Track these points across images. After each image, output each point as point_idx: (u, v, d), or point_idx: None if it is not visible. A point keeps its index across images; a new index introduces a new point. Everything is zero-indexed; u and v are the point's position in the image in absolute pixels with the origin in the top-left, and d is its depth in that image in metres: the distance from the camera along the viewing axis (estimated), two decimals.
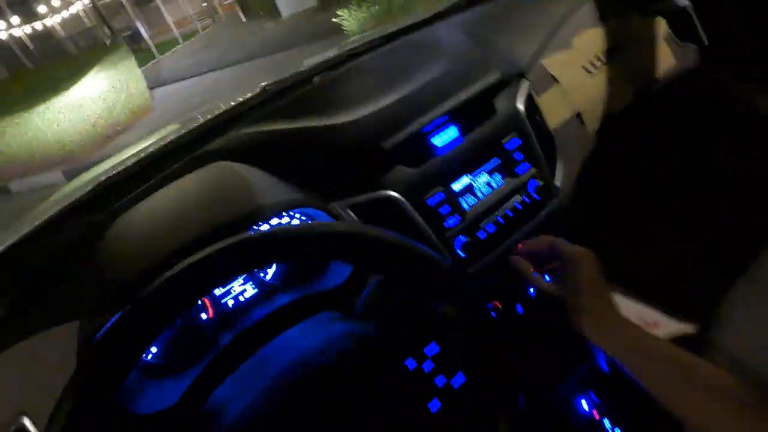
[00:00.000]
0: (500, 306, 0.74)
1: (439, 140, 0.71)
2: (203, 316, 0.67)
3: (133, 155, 0.98)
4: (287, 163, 0.68)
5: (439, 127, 0.72)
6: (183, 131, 0.97)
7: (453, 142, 0.71)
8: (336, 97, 0.74)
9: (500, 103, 0.75)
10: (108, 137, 5.25)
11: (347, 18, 4.23)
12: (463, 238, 0.69)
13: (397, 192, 0.66)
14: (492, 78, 0.72)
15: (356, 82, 0.79)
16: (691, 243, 1.07)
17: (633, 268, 0.99)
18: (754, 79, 1.00)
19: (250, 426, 0.41)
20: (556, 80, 0.83)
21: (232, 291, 0.69)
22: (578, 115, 0.84)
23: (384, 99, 0.71)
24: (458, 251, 0.68)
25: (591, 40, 0.89)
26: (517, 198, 0.74)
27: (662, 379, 0.44)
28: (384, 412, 0.41)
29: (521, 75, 0.80)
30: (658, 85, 0.93)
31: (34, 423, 0.50)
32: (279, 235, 0.37)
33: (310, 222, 0.68)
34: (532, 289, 0.79)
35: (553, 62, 0.84)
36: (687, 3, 0.96)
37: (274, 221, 0.70)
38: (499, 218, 0.72)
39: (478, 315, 0.72)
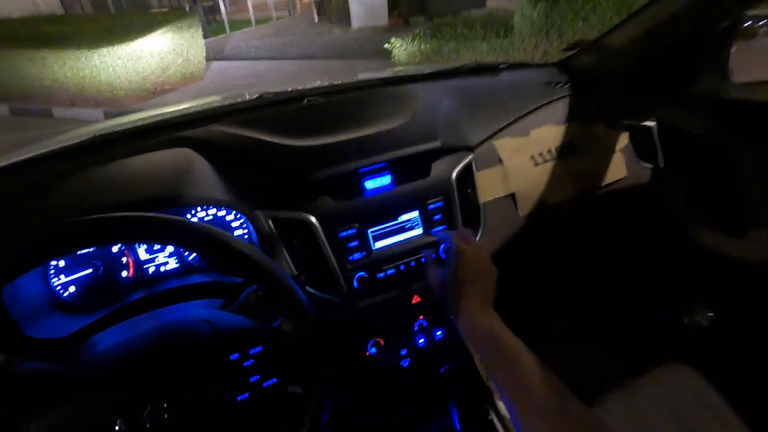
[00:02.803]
0: (383, 343, 0.82)
1: (371, 183, 0.80)
2: (124, 273, 0.77)
3: (132, 121, 1.10)
4: (236, 166, 0.78)
5: (375, 172, 0.80)
6: (181, 113, 1.09)
7: (382, 188, 0.80)
8: (310, 122, 0.84)
9: (437, 167, 0.84)
10: (154, 93, 5.55)
11: (398, 47, 4.43)
12: (362, 273, 0.77)
13: (315, 218, 0.75)
14: (431, 145, 0.81)
15: (332, 113, 0.88)
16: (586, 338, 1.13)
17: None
18: (700, 209, 1.06)
19: (103, 360, 0.50)
20: (500, 161, 0.91)
21: (155, 260, 0.79)
22: (513, 197, 0.92)
23: (339, 136, 0.81)
24: (354, 283, 0.76)
25: (549, 134, 0.97)
26: (426, 254, 0.81)
27: (502, 372, 0.52)
28: (200, 389, 0.49)
29: (469, 148, 0.89)
30: (602, 191, 1.00)
31: None
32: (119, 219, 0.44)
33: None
34: (422, 340, 0.86)
35: (503, 144, 0.92)
36: (652, 124, 1.04)
37: (201, 213, 0.80)
38: (402, 266, 0.80)
39: (355, 346, 0.80)
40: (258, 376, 0.51)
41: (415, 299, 0.81)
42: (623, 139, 1.04)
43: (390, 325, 0.82)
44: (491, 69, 1.24)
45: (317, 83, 1.27)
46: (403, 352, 0.84)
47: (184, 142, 0.80)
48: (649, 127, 1.04)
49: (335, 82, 1.29)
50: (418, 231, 0.82)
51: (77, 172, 0.71)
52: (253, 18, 13.17)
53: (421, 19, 9.36)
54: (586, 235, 1.08)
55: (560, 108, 1.02)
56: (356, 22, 10.01)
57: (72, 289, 0.74)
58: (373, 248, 0.79)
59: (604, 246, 1.15)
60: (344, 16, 10.57)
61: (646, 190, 1.06)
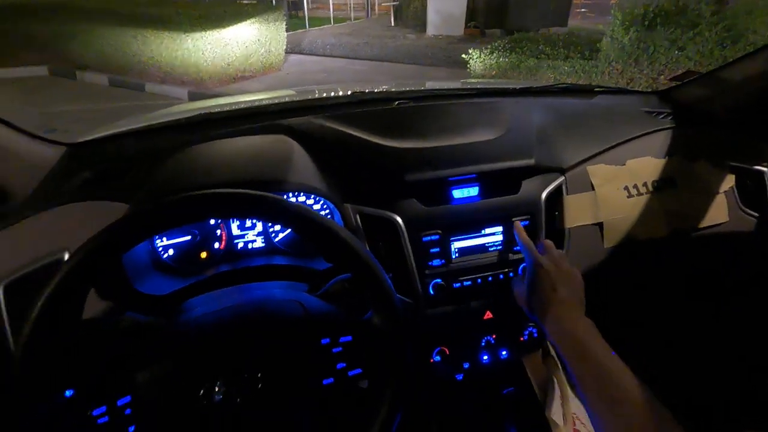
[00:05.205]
0: (448, 352, 0.81)
1: (459, 193, 0.80)
2: (216, 245, 0.82)
3: (235, 103, 1.18)
4: (331, 159, 0.81)
5: (463, 182, 0.80)
6: (277, 101, 1.15)
7: (469, 199, 0.80)
8: (402, 125, 0.86)
9: (527, 186, 0.82)
10: (234, 78, 5.89)
11: (475, 59, 4.38)
12: (438, 281, 0.77)
13: (402, 219, 0.76)
14: (525, 162, 0.80)
15: (424, 118, 0.90)
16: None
17: None
18: None
19: (200, 326, 0.54)
20: (592, 187, 0.88)
21: (245, 237, 0.84)
22: (600, 226, 0.88)
23: (432, 142, 0.82)
24: (430, 290, 0.77)
25: (646, 166, 0.92)
26: (504, 271, 0.80)
27: (592, 385, 0.51)
28: (291, 366, 0.52)
29: (561, 170, 0.86)
30: (696, 233, 0.94)
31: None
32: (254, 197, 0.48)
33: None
34: (486, 357, 0.85)
35: (597, 171, 0.89)
36: (764, 169, 0.95)
37: (291, 199, 0.84)
38: (479, 280, 0.79)
39: (421, 352, 0.80)
40: (345, 364, 0.52)
41: (487, 315, 0.80)
42: (728, 181, 0.96)
43: (457, 337, 0.81)
44: (585, 91, 1.20)
45: (407, 87, 1.29)
46: (466, 365, 0.83)
47: (282, 129, 0.84)
48: (760, 172, 0.96)
49: (423, 88, 1.31)
50: (500, 247, 0.81)
51: (186, 146, 0.78)
52: (332, 17, 13.62)
53: (497, 32, 9.24)
54: (672, 277, 1.02)
55: (661, 140, 0.97)
56: (431, 29, 10.05)
57: (171, 252, 0.80)
58: (453, 258, 0.79)
59: (690, 292, 1.07)
60: (420, 23, 10.67)
61: (746, 240, 0.97)
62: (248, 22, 5.74)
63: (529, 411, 0.83)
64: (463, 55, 4.59)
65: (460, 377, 0.86)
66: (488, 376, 0.85)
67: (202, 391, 0.48)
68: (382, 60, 7.74)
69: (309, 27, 12.27)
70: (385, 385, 0.52)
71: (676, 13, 3.22)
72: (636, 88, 3.37)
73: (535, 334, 0.86)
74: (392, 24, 12.53)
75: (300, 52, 8.56)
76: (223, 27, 5.45)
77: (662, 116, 1.03)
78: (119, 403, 0.46)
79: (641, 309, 1.07)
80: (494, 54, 4.21)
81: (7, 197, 0.68)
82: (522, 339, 0.85)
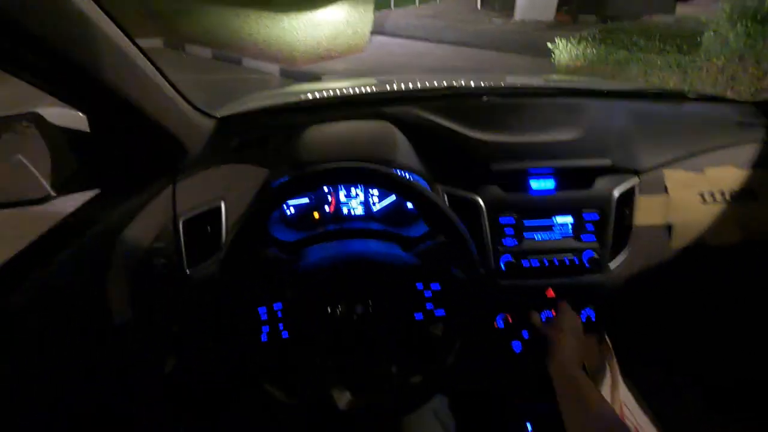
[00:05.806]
0: (511, 320, 0.95)
1: (536, 184, 0.91)
2: (326, 208, 1.02)
3: (332, 89, 1.36)
4: (426, 145, 0.95)
5: (541, 175, 0.91)
6: (376, 89, 1.31)
7: (545, 191, 0.91)
8: (490, 119, 0.98)
9: (600, 182, 0.91)
10: (322, 58, 6.21)
11: (561, 50, 4.21)
12: (509, 257, 0.90)
13: (483, 201, 0.89)
14: (600, 162, 0.89)
15: (509, 113, 1.01)
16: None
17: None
18: None
19: (314, 270, 0.72)
20: (666, 191, 0.94)
21: (349, 204, 1.02)
22: (669, 228, 0.94)
23: (516, 137, 0.94)
24: (501, 264, 0.90)
25: (726, 176, 0.96)
26: (569, 256, 0.91)
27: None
28: (392, 300, 0.68)
29: (636, 172, 0.94)
30: None
31: (226, 209, 0.90)
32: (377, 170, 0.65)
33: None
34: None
35: (673, 175, 0.95)
36: None
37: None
38: (546, 261, 0.90)
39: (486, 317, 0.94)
40: (432, 306, 0.68)
41: (550, 293, 0.92)
42: None
43: (521, 308, 0.94)
44: (677, 97, 1.22)
45: (492, 80, 1.39)
46: (525, 334, 0.96)
47: (385, 117, 1.00)
48: None
49: (512, 84, 1.40)
50: (569, 234, 0.92)
51: (308, 125, 0.96)
52: None
53: (591, 18, 8.64)
54: (737, 289, 1.05)
55: (748, 151, 0.99)
56: (519, 13, 9.64)
57: (292, 210, 1.00)
58: (525, 239, 0.91)
59: (756, 306, 1.09)
60: (508, 6, 10.25)
61: None
62: (338, 3, 5.98)
63: None
64: (549, 44, 4.42)
65: (518, 348, 0.98)
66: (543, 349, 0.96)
67: (329, 309, 0.67)
68: (465, 45, 7.63)
69: (394, 7, 12.32)
70: (463, 327, 0.68)
71: None
72: (738, 87, 3.08)
73: (593, 318, 0.96)
74: (479, 6, 12.18)
75: (383, 33, 8.68)
76: (317, 7, 5.75)
77: (756, 128, 1.04)
78: (275, 306, 0.67)
79: (697, 311, 1.11)
80: (582, 44, 4.02)
81: (186, 153, 0.91)
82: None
